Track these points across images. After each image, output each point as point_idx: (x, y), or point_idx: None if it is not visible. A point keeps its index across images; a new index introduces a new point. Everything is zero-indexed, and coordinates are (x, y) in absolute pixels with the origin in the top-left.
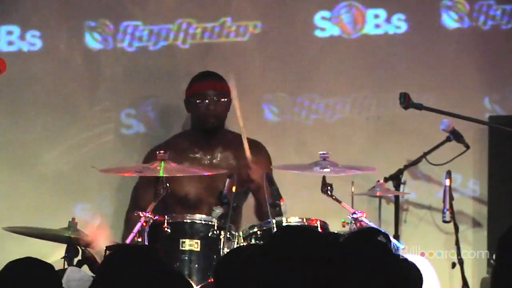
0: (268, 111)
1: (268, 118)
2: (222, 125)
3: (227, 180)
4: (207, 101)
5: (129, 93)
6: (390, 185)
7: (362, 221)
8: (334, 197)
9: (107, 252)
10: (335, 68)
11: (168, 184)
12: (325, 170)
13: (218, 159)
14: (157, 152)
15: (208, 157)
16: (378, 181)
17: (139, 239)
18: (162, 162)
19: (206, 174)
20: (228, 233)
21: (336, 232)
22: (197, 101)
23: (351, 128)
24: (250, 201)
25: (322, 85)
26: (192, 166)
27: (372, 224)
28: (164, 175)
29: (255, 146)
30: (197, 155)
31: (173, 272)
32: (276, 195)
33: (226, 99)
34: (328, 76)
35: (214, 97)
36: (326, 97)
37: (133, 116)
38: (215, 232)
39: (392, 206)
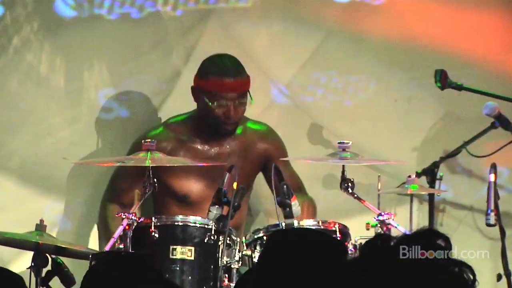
0: (276, 92)
1: (276, 99)
2: (237, 126)
3: (227, 175)
4: (227, 105)
5: (108, 70)
6: (423, 181)
7: (389, 224)
8: (355, 196)
9: (92, 261)
10: (356, 40)
11: (155, 180)
12: (345, 162)
13: (224, 151)
14: (142, 141)
15: (213, 149)
16: (409, 176)
17: (121, 246)
18: (149, 152)
19: (200, 165)
20: (228, 238)
21: (379, 233)
22: (214, 103)
23: (376, 111)
24: (252, 201)
25: (341, 59)
26: (185, 157)
27: (401, 228)
28: (151, 166)
29: (261, 129)
30: (201, 147)
31: (173, 285)
32: (286, 193)
33: (246, 100)
34: (349, 49)
35: (235, 101)
36: (346, 74)
37: (113, 98)
38: (212, 237)
39: (425, 206)
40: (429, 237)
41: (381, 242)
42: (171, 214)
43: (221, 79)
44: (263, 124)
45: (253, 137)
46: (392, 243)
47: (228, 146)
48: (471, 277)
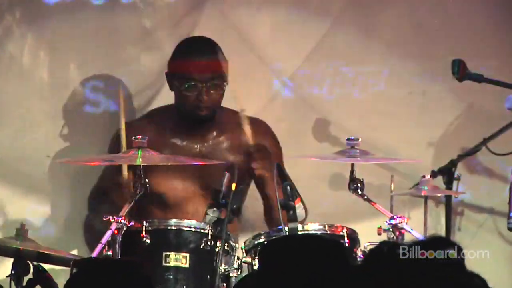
0: (280, 84)
1: (279, 92)
2: (215, 113)
3: (226, 175)
4: (197, 88)
5: (95, 61)
6: (439, 181)
7: (402, 228)
8: (365, 197)
9: (74, 269)
10: (366, 28)
11: (147, 180)
12: (354, 161)
13: (210, 147)
14: (133, 137)
15: (197, 146)
16: (424, 176)
17: (109, 252)
18: (140, 150)
19: (196, 164)
20: (226, 244)
21: (389, 240)
22: (184, 86)
23: (388, 106)
24: (255, 202)
25: (349, 49)
26: (178, 155)
27: (415, 233)
28: (142, 165)
29: (258, 127)
30: (183, 142)
31: None
32: (290, 194)
33: (223, 83)
34: (358, 38)
35: (208, 83)
36: (355, 64)
37: (101, 90)
38: (208, 243)
39: (442, 209)
40: (440, 246)
41: (387, 249)
42: (152, 217)
43: (191, 59)
44: (258, 120)
45: (246, 133)
46: (399, 251)
47: (211, 142)
48: None
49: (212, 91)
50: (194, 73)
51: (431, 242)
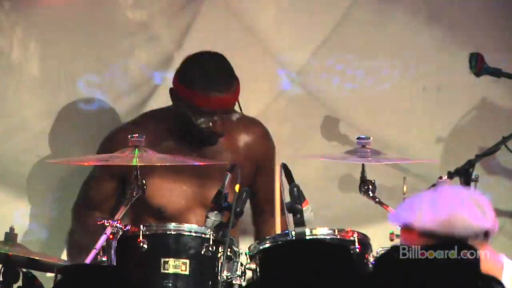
0: (286, 79)
1: (285, 88)
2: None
3: (228, 175)
4: (213, 121)
5: (89, 55)
6: (456, 182)
7: None
8: (377, 200)
9: (58, 276)
10: (378, 19)
11: (144, 182)
12: (365, 161)
13: (210, 151)
14: (129, 136)
15: (196, 151)
16: (440, 177)
17: (104, 258)
18: (136, 150)
19: (196, 164)
20: (229, 249)
21: (396, 245)
22: (196, 117)
23: (402, 102)
24: None
25: (361, 42)
26: (177, 155)
27: None
28: (139, 165)
29: (249, 125)
30: (180, 148)
31: None
32: (297, 196)
33: (236, 113)
34: (370, 30)
35: (223, 115)
36: (367, 58)
37: (96, 85)
38: (210, 248)
39: None
40: (452, 248)
41: (398, 254)
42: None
43: (208, 94)
44: (257, 121)
45: (246, 135)
46: (410, 255)
47: (205, 150)
48: None
49: (225, 121)
50: (209, 107)
51: (444, 245)
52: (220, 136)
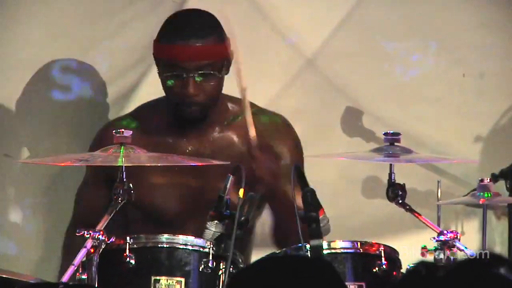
0: (300, 63)
1: (300, 74)
2: (207, 111)
3: (230, 178)
4: (183, 78)
5: (65, 35)
6: (501, 186)
7: (454, 246)
8: (407, 207)
9: None
10: None
11: (131, 185)
12: (393, 161)
13: (210, 148)
14: (114, 132)
15: (191, 147)
16: (481, 180)
17: (84, 276)
18: (122, 147)
19: (192, 164)
20: (232, 266)
21: (424, 261)
22: (167, 74)
23: (437, 91)
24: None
25: (387, 20)
26: (171, 154)
27: (470, 252)
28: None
29: (271, 122)
30: (176, 144)
31: None
32: (312, 203)
33: (218, 74)
34: (398, 6)
35: (195, 73)
36: (395, 40)
37: (73, 71)
38: (209, 264)
39: (505, 221)
40: (489, 264)
41: (426, 271)
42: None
43: (174, 42)
44: (275, 115)
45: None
46: (440, 273)
47: (207, 145)
48: None
49: (201, 83)
50: (177, 60)
51: (478, 261)
52: (198, 104)
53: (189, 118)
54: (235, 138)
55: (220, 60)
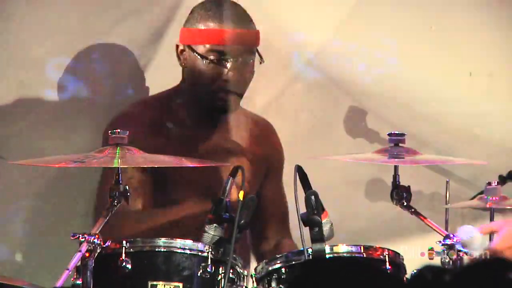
0: (302, 61)
1: (302, 73)
2: (239, 102)
3: (229, 180)
4: (228, 63)
5: (59, 31)
6: (509, 189)
7: (461, 250)
8: (413, 210)
9: None
10: None
11: (128, 187)
12: (398, 162)
13: (227, 139)
14: (109, 132)
15: (207, 140)
16: (489, 183)
17: (79, 281)
18: (118, 148)
19: (191, 166)
20: (232, 271)
21: (429, 265)
22: (205, 60)
23: (443, 90)
24: None
25: (392, 17)
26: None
27: (477, 255)
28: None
29: (259, 128)
30: (195, 135)
31: None
32: (314, 206)
33: (253, 63)
34: (403, 3)
35: (240, 58)
36: (400, 37)
37: (69, 70)
38: (208, 269)
39: None
40: (497, 269)
41: (432, 276)
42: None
43: (217, 26)
44: (264, 119)
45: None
46: (447, 277)
47: (225, 139)
48: None
49: (241, 70)
50: (219, 44)
51: (486, 265)
52: (234, 93)
53: (221, 108)
54: (246, 139)
55: (255, 49)
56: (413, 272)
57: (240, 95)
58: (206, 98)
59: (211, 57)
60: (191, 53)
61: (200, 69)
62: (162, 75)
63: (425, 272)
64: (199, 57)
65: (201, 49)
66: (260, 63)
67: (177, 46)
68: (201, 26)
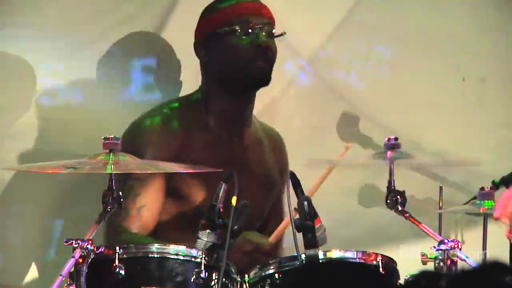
0: (295, 67)
1: (296, 78)
2: (270, 75)
3: (222, 186)
4: (256, 32)
5: (54, 37)
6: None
7: (455, 255)
8: (407, 215)
9: None
10: None
11: (121, 193)
12: (393, 166)
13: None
14: (103, 137)
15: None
16: (482, 188)
17: (72, 287)
18: (111, 154)
19: (187, 172)
20: (225, 276)
21: (425, 271)
22: (238, 30)
23: (436, 95)
24: None
25: (386, 23)
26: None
27: (471, 261)
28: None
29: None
30: (227, 140)
31: None
32: (308, 212)
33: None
34: (396, 9)
35: (266, 27)
36: (393, 42)
37: (60, 76)
38: (201, 275)
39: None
40: (494, 273)
41: (427, 282)
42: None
43: (241, 1)
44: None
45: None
46: (442, 283)
47: (246, 142)
48: None
49: (271, 40)
50: (251, 14)
51: (482, 270)
52: (269, 61)
53: (262, 77)
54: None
55: (273, 24)
56: (407, 278)
57: (272, 66)
58: (244, 72)
59: (239, 29)
60: (215, 39)
61: (231, 45)
62: (157, 81)
63: (421, 278)
64: (227, 35)
65: (227, 26)
66: (281, 35)
67: (195, 45)
68: (222, 5)
